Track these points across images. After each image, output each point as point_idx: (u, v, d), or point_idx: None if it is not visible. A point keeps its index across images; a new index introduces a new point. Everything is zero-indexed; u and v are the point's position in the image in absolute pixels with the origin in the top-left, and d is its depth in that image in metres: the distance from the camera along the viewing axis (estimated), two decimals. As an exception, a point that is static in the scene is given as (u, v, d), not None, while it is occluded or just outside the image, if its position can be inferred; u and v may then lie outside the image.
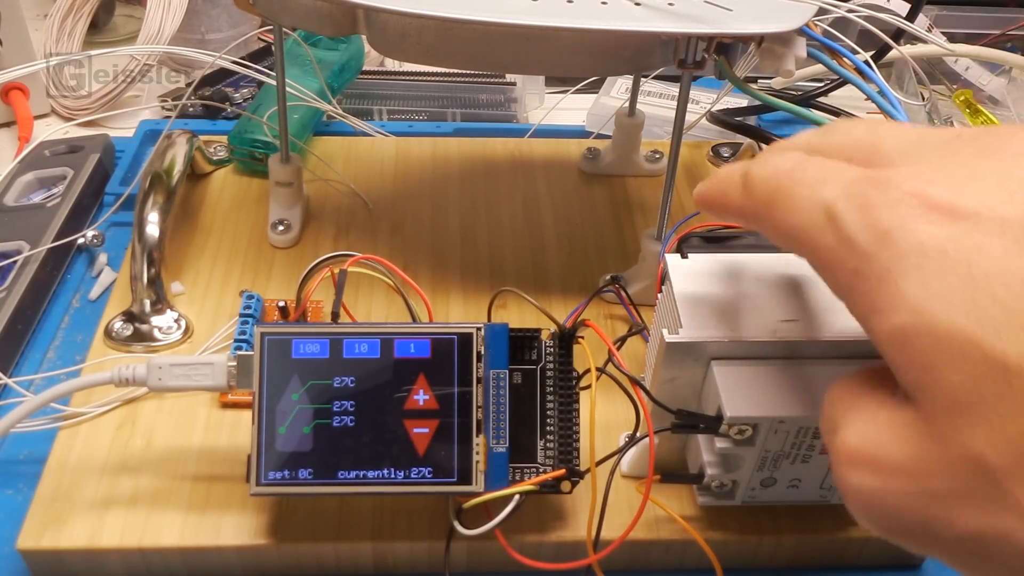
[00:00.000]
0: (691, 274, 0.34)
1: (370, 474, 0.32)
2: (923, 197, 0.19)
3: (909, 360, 0.19)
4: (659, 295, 0.36)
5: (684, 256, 0.35)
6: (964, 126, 0.65)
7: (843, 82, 0.50)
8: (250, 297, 0.44)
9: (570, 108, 0.65)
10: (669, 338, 0.32)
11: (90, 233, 0.50)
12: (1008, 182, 0.19)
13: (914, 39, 0.60)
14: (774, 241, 0.24)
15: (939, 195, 0.19)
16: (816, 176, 0.22)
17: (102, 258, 0.50)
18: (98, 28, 0.73)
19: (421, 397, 0.32)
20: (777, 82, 0.68)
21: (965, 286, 0.18)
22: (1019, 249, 0.18)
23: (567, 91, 0.67)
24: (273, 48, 0.46)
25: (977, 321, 0.17)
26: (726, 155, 0.58)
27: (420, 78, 0.67)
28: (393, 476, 0.32)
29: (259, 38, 0.69)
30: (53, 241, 0.48)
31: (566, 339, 0.34)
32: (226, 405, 0.40)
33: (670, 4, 0.36)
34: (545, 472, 0.33)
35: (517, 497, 0.33)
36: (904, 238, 0.19)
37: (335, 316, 0.35)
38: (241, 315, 0.43)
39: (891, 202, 0.19)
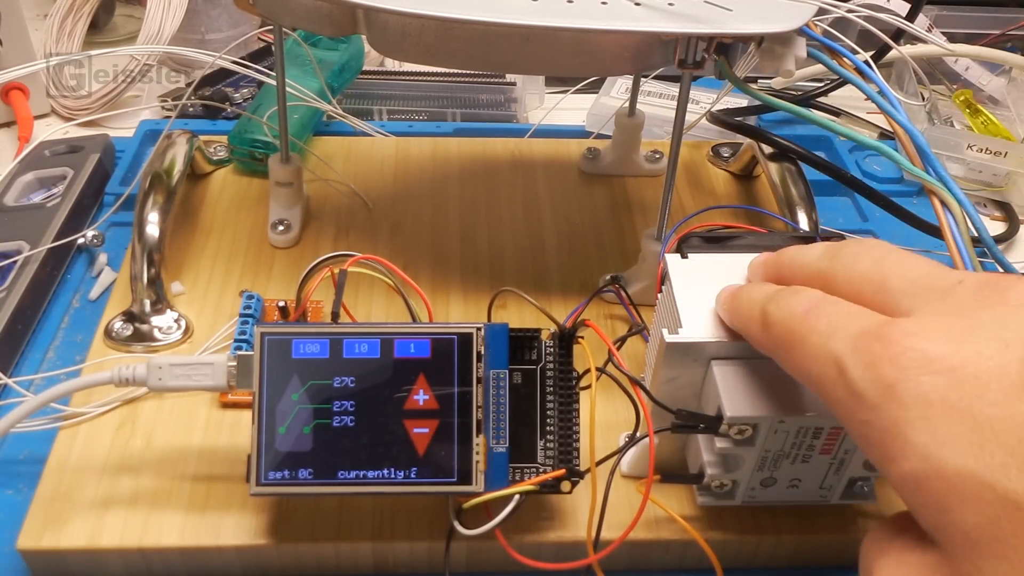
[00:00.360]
0: (691, 274, 0.34)
1: (370, 474, 0.32)
2: (924, 351, 0.21)
3: (925, 503, 0.20)
4: (659, 295, 0.36)
5: (684, 256, 0.35)
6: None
7: (843, 82, 0.50)
8: (250, 297, 0.44)
9: (570, 108, 0.65)
10: (669, 338, 0.32)
11: (90, 233, 0.50)
12: (1005, 331, 0.21)
13: (914, 39, 0.60)
14: (792, 374, 0.26)
15: (940, 349, 0.21)
16: (827, 326, 0.24)
17: (102, 258, 0.50)
18: (98, 28, 0.73)
19: (421, 397, 0.32)
20: (777, 82, 0.68)
21: (970, 431, 0.19)
22: (1017, 393, 0.19)
23: (567, 91, 0.67)
24: (273, 48, 0.46)
25: (986, 464, 0.19)
26: (726, 155, 0.58)
27: (420, 78, 0.67)
28: (393, 476, 0.32)
29: (259, 38, 0.69)
30: (53, 241, 0.48)
31: (566, 339, 0.34)
32: (226, 405, 0.40)
33: (670, 4, 0.36)
34: (545, 472, 0.33)
35: (517, 497, 0.33)
36: (907, 391, 0.20)
37: (335, 316, 0.35)
38: (241, 315, 0.43)
39: (894, 357, 0.21)
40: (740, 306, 0.29)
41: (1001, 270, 0.38)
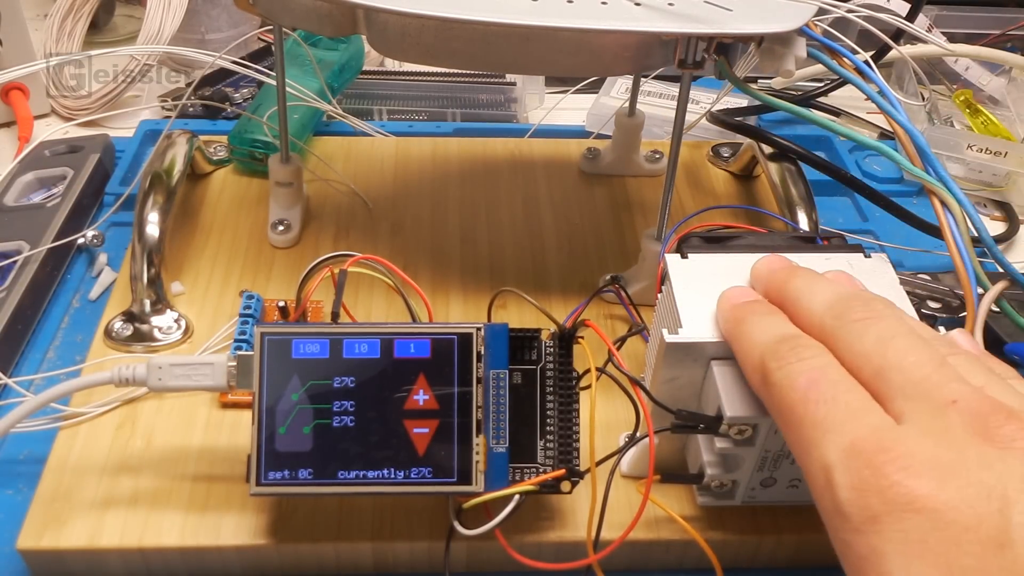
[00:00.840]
0: (691, 274, 0.34)
1: (370, 474, 0.32)
2: (909, 488, 0.21)
3: None
4: (659, 295, 0.36)
5: (684, 256, 0.35)
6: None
7: (843, 82, 0.50)
8: (250, 297, 0.44)
9: (570, 108, 0.65)
10: (669, 338, 0.32)
11: (90, 233, 0.50)
12: (988, 476, 0.21)
13: (914, 39, 0.60)
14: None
15: (925, 489, 0.21)
16: (823, 420, 0.24)
17: (102, 258, 0.50)
18: (98, 28, 0.73)
19: (421, 397, 0.32)
20: (777, 82, 0.68)
21: None
22: (993, 549, 0.20)
23: (567, 91, 0.67)
24: (273, 48, 0.46)
25: None
26: (726, 155, 0.58)
27: (420, 78, 0.67)
28: (393, 476, 0.32)
29: (259, 38, 0.69)
30: (53, 241, 0.48)
31: (566, 339, 0.34)
32: (226, 405, 0.40)
33: (670, 4, 0.36)
34: (545, 472, 0.33)
35: (517, 497, 0.33)
36: (891, 525, 0.21)
37: (335, 316, 0.35)
38: (241, 315, 0.43)
39: (882, 489, 0.22)
40: (741, 341, 0.30)
41: (1001, 270, 0.38)
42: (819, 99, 0.63)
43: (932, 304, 0.47)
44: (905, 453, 0.22)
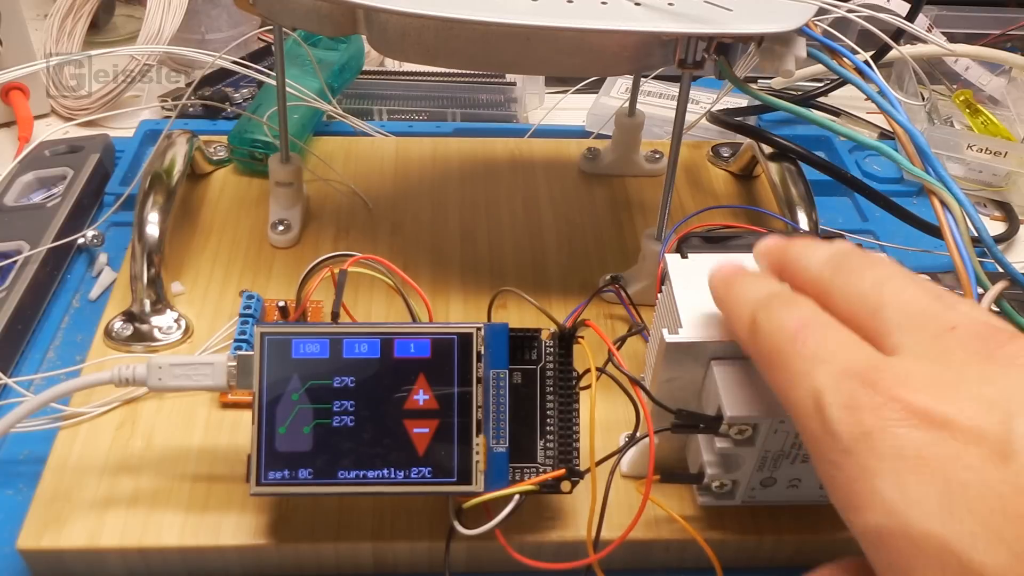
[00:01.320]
0: (691, 274, 0.34)
1: (370, 474, 0.32)
2: (906, 403, 0.20)
3: (888, 561, 0.20)
4: (659, 295, 0.36)
5: (684, 256, 0.35)
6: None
7: (843, 82, 0.50)
8: (250, 297, 0.44)
9: (570, 108, 0.65)
10: (669, 338, 0.32)
11: (90, 233, 0.50)
12: (989, 390, 0.20)
13: (914, 39, 0.60)
14: (772, 389, 0.25)
15: (922, 402, 0.20)
16: (813, 353, 0.23)
17: (102, 258, 0.50)
18: (98, 28, 0.73)
19: (421, 397, 0.32)
20: (777, 82, 0.68)
21: (941, 495, 0.19)
22: (995, 461, 0.19)
23: (567, 91, 0.67)
24: (273, 48, 0.46)
25: (955, 532, 0.18)
26: (726, 155, 0.58)
27: (420, 78, 0.67)
28: (393, 476, 0.32)
29: (259, 38, 0.69)
30: (53, 241, 0.48)
31: (566, 339, 0.34)
32: (226, 405, 0.40)
33: (670, 4, 0.36)
34: (545, 472, 0.33)
35: (517, 497, 0.33)
36: (884, 440, 0.20)
37: (335, 316, 0.35)
38: (241, 315, 0.43)
39: (875, 405, 0.20)
40: (731, 301, 0.28)
41: (1001, 270, 0.38)
42: (819, 99, 0.63)
43: (932, 304, 0.47)
44: (901, 372, 0.21)
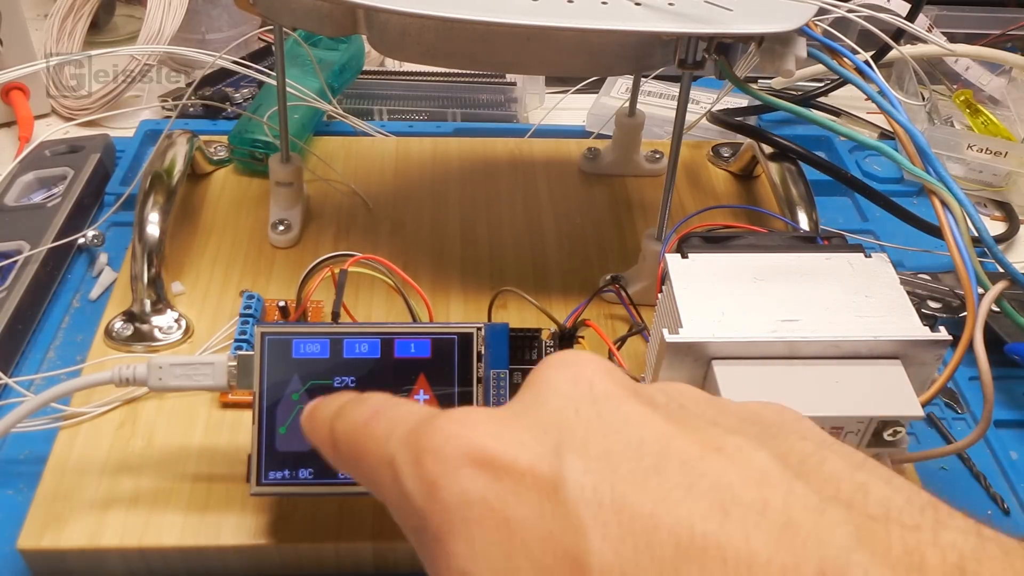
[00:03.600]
0: (691, 274, 0.34)
1: (370, 474, 0.32)
2: (467, 440, 0.18)
3: None
4: (659, 295, 0.36)
5: (684, 256, 0.35)
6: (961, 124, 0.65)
7: (843, 82, 0.50)
8: (250, 297, 0.44)
9: (570, 108, 0.65)
10: (669, 338, 0.32)
11: (90, 233, 0.50)
12: (542, 415, 0.19)
13: (914, 39, 0.60)
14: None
15: (480, 437, 0.18)
16: (385, 430, 0.21)
17: (102, 258, 0.50)
18: (98, 28, 0.73)
19: (421, 397, 0.32)
20: (777, 82, 0.68)
21: (504, 542, 0.17)
22: (552, 509, 0.17)
23: (567, 91, 0.67)
24: (273, 48, 0.46)
25: None
26: (726, 155, 0.58)
27: (420, 78, 0.67)
28: (393, 476, 0.32)
29: (259, 38, 0.69)
30: (53, 241, 0.48)
31: (566, 339, 0.34)
32: (226, 405, 0.40)
33: (670, 4, 0.36)
34: (545, 472, 0.33)
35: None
36: (449, 489, 0.18)
37: (335, 316, 0.35)
38: (241, 315, 0.43)
39: (436, 448, 0.19)
40: (312, 427, 0.25)
41: (1001, 270, 0.38)
42: (819, 99, 0.63)
43: (932, 304, 0.47)
44: (458, 413, 0.20)
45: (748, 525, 0.16)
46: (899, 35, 0.51)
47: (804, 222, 0.49)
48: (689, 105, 0.41)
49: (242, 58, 0.62)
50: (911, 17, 0.50)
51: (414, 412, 0.21)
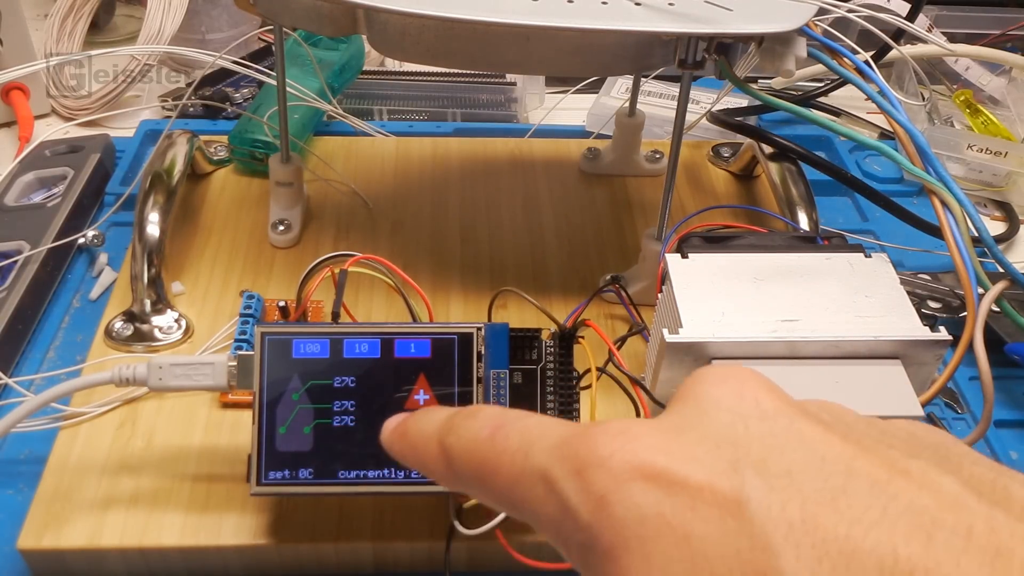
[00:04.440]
0: (691, 274, 0.34)
1: (370, 474, 0.32)
2: (634, 452, 0.18)
3: None
4: (659, 295, 0.36)
5: (684, 256, 0.35)
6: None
7: (843, 82, 0.50)
8: (250, 297, 0.44)
9: (570, 108, 0.65)
10: (669, 338, 0.32)
11: (90, 233, 0.50)
12: (709, 429, 0.18)
13: (914, 39, 0.60)
14: (498, 509, 0.22)
15: (647, 451, 0.18)
16: (520, 443, 0.20)
17: (102, 258, 0.50)
18: (98, 28, 0.73)
19: (421, 397, 0.32)
20: (777, 82, 0.68)
21: (683, 566, 0.17)
22: (737, 527, 0.17)
23: (567, 91, 0.67)
24: (273, 48, 0.46)
25: None
26: (726, 155, 0.58)
27: (420, 78, 0.67)
28: (393, 476, 0.32)
29: (259, 38, 0.69)
30: (53, 241, 0.48)
31: (566, 339, 0.34)
32: (226, 405, 0.40)
33: (670, 4, 0.36)
34: (545, 472, 0.33)
35: (517, 497, 0.33)
36: (621, 503, 0.17)
37: (335, 316, 0.35)
38: (241, 315, 0.43)
39: (603, 460, 0.18)
40: (413, 445, 0.24)
41: (1001, 269, 0.38)
42: (819, 99, 0.63)
43: (932, 304, 0.47)
44: (617, 425, 0.19)
45: (956, 550, 0.15)
46: (899, 35, 0.51)
47: (804, 222, 0.49)
48: (689, 105, 0.41)
49: (242, 58, 0.62)
50: (911, 17, 0.50)
51: (551, 424, 0.20)
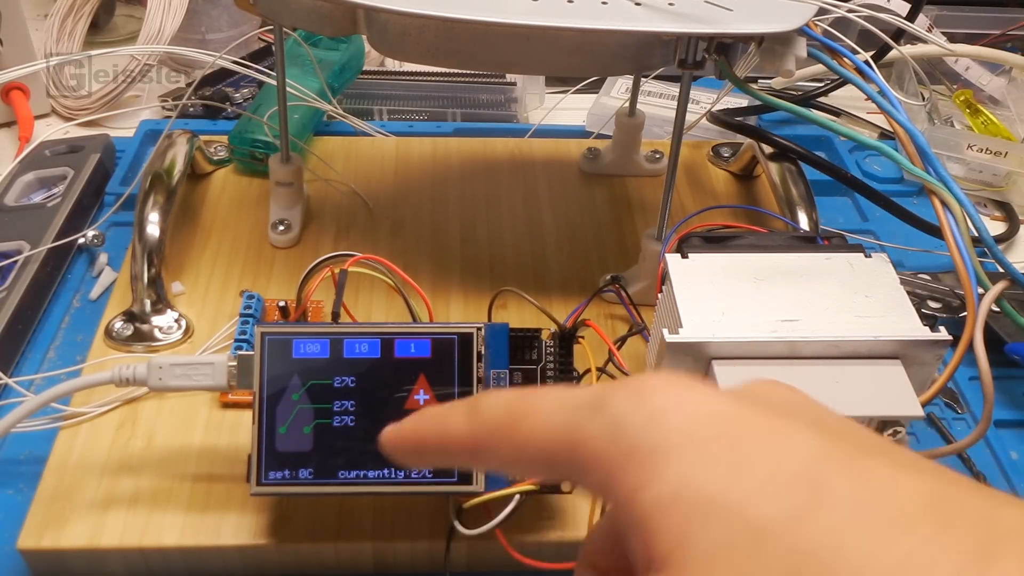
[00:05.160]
0: (691, 274, 0.34)
1: (370, 474, 0.32)
2: (687, 387, 0.19)
3: (667, 527, 0.18)
4: (659, 295, 0.36)
5: (684, 256, 0.35)
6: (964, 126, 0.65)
7: (843, 82, 0.50)
8: (250, 297, 0.44)
9: (570, 108, 0.65)
10: (669, 338, 0.32)
11: (90, 233, 0.50)
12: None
13: (914, 39, 0.60)
14: (513, 469, 0.23)
15: (696, 394, 0.19)
16: (558, 393, 0.21)
17: (102, 258, 0.50)
18: (98, 28, 0.73)
19: (421, 397, 0.32)
20: (777, 82, 0.68)
21: (731, 456, 0.18)
22: (786, 424, 0.18)
23: (567, 91, 0.67)
24: (273, 48, 0.46)
25: (741, 490, 0.18)
26: (726, 155, 0.58)
27: (420, 78, 0.67)
28: (393, 476, 0.32)
29: (259, 38, 0.69)
30: (53, 241, 0.48)
31: (566, 339, 0.34)
32: (226, 405, 0.40)
33: (670, 4, 0.36)
34: (545, 472, 0.33)
35: (517, 497, 0.33)
36: (674, 418, 0.19)
37: (335, 316, 0.35)
38: (241, 315, 0.43)
39: (656, 388, 0.20)
40: (423, 411, 0.23)
41: (1001, 269, 0.38)
42: (819, 99, 0.63)
43: (932, 304, 0.47)
44: (659, 378, 0.20)
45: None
46: (899, 35, 0.51)
47: (804, 222, 0.49)
48: (689, 105, 0.41)
49: (242, 58, 0.62)
50: (911, 17, 0.50)
51: (574, 390, 0.21)
